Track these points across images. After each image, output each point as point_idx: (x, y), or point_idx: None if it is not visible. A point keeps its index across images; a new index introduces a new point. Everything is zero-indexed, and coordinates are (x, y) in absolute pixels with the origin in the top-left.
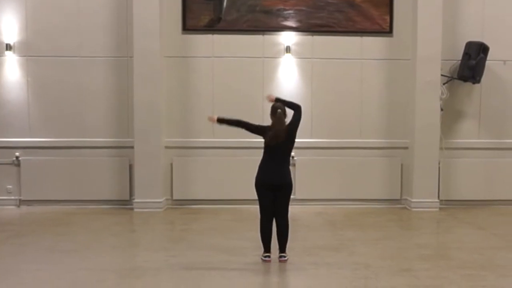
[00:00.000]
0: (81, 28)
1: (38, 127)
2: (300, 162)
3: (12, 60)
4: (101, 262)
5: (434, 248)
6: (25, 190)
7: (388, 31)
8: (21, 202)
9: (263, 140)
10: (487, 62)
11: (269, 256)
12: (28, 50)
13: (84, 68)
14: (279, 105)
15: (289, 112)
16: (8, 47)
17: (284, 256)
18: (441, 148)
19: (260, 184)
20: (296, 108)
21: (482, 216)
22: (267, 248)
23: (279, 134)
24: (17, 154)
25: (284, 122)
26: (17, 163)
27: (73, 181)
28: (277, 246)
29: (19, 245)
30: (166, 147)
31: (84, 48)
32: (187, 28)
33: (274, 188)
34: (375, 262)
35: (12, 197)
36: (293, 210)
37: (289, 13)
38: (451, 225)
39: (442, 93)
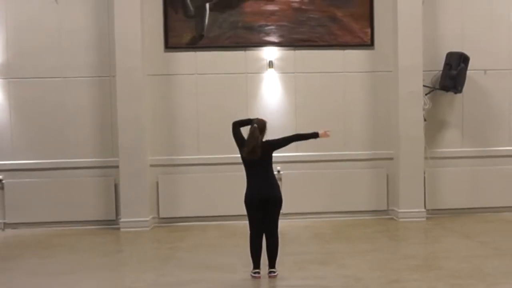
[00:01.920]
0: (63, 49)
1: (22, 149)
2: (286, 176)
3: None
4: (88, 285)
5: (422, 259)
6: (10, 213)
7: (369, 44)
8: (6, 225)
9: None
10: (468, 71)
11: (259, 272)
12: (9, 72)
13: (67, 88)
14: (258, 120)
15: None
16: None
17: (274, 272)
18: (425, 158)
19: (250, 199)
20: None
21: (469, 224)
22: (256, 264)
23: (254, 150)
24: (0, 177)
25: (258, 137)
26: (0, 186)
27: (58, 202)
28: (267, 262)
29: (3, 269)
30: (151, 165)
31: (66, 69)
32: (169, 46)
33: (264, 203)
34: (364, 274)
35: None
36: (281, 224)
37: (271, 29)
38: (439, 234)
39: (424, 104)
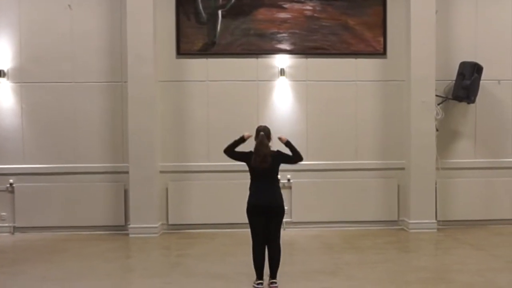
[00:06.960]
0: (75, 54)
1: (32, 153)
2: (296, 184)
3: (6, 86)
4: None
5: (433, 271)
6: (19, 217)
7: (382, 53)
8: (15, 229)
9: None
10: (481, 81)
11: (262, 283)
12: (22, 76)
13: (78, 93)
14: (263, 127)
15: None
16: (2, 73)
17: (275, 283)
18: (437, 169)
19: (252, 207)
20: (297, 157)
21: (481, 236)
22: (260, 275)
23: (265, 159)
24: (11, 180)
25: (267, 145)
26: (11, 189)
27: (68, 207)
28: (268, 272)
29: (11, 274)
30: (161, 172)
31: (78, 74)
32: (181, 52)
33: (266, 211)
34: (373, 287)
35: (6, 224)
36: (289, 233)
37: (283, 36)
38: (450, 246)
39: (437, 114)
